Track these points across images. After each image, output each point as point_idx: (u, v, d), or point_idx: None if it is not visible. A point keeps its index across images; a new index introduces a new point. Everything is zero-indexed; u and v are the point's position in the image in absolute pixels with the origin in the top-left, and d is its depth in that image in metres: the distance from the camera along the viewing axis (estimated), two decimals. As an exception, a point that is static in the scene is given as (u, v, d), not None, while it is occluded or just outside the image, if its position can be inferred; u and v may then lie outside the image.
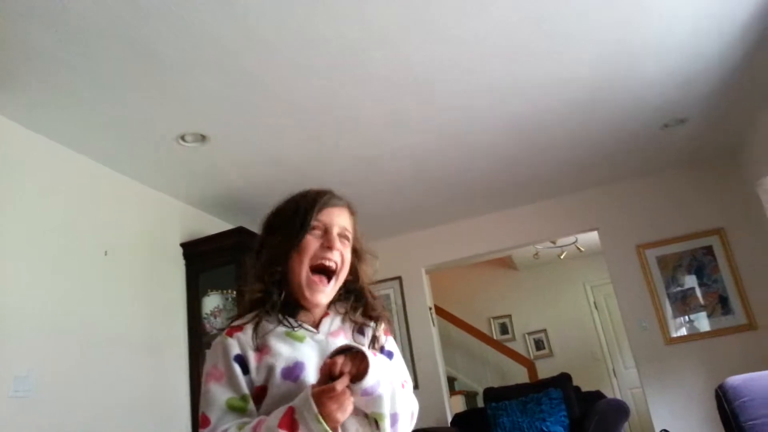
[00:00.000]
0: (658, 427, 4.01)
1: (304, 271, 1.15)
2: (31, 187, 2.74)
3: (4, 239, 2.55)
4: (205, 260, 3.68)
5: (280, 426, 0.95)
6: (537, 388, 3.93)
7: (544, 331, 7.01)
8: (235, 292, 3.57)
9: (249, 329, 1.12)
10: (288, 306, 1.16)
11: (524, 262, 6.98)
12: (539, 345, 6.99)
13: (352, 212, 1.26)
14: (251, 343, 1.09)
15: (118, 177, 3.30)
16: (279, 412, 0.98)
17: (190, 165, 3.37)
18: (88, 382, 2.77)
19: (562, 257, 6.55)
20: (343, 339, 1.15)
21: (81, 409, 2.69)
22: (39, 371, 2.54)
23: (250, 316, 1.14)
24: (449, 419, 4.41)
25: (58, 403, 2.59)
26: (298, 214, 1.19)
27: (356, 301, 1.22)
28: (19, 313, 2.53)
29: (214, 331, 3.45)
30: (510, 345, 6.90)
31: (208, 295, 3.60)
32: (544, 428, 3.54)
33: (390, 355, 1.21)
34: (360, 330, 1.20)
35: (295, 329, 1.13)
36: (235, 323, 1.15)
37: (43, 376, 2.55)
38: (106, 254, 3.07)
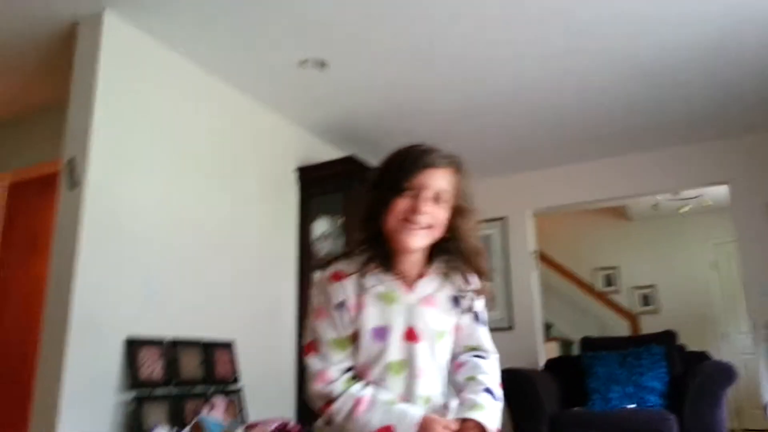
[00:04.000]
0: (766, 398, 3.79)
1: (394, 222, 1.21)
2: (166, 103, 2.97)
3: (148, 150, 2.81)
4: (317, 186, 3.83)
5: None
6: (638, 342, 3.81)
7: (653, 286, 6.69)
8: (342, 219, 3.72)
9: (351, 284, 1.22)
10: (388, 255, 1.24)
11: (640, 213, 6.61)
12: (646, 300, 6.70)
13: (457, 170, 1.25)
14: (352, 295, 1.22)
15: (243, 98, 3.48)
16: (378, 418, 1.17)
17: (310, 91, 3.46)
18: (207, 279, 3.06)
19: (682, 211, 6.14)
20: (434, 310, 1.25)
21: (198, 303, 2.98)
22: (169, 267, 2.85)
23: (353, 267, 1.23)
24: (541, 364, 4.41)
25: (178, 298, 2.88)
26: (394, 174, 1.22)
27: (454, 260, 1.28)
28: (157, 216, 2.83)
29: (320, 255, 3.66)
30: (614, 298, 6.69)
31: (318, 219, 3.78)
32: (641, 383, 3.45)
33: (480, 318, 1.34)
34: (455, 300, 1.28)
35: (389, 290, 1.23)
36: (340, 267, 1.24)
37: (170, 271, 2.86)
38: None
